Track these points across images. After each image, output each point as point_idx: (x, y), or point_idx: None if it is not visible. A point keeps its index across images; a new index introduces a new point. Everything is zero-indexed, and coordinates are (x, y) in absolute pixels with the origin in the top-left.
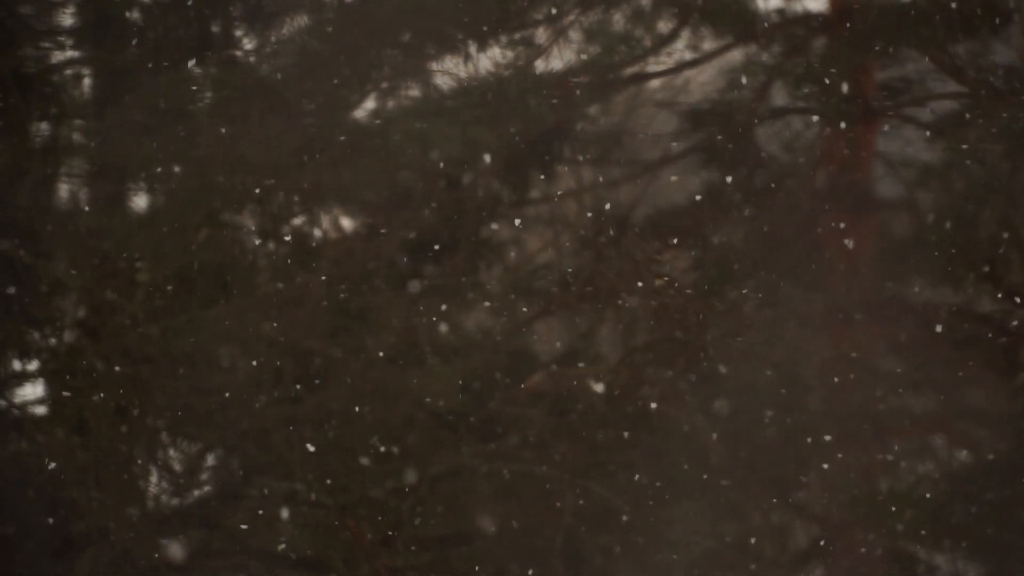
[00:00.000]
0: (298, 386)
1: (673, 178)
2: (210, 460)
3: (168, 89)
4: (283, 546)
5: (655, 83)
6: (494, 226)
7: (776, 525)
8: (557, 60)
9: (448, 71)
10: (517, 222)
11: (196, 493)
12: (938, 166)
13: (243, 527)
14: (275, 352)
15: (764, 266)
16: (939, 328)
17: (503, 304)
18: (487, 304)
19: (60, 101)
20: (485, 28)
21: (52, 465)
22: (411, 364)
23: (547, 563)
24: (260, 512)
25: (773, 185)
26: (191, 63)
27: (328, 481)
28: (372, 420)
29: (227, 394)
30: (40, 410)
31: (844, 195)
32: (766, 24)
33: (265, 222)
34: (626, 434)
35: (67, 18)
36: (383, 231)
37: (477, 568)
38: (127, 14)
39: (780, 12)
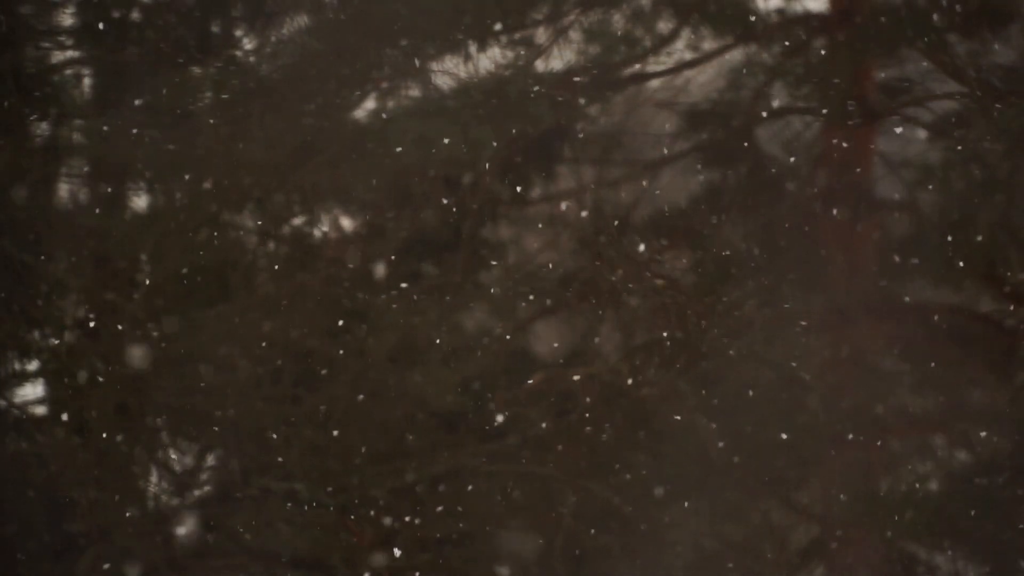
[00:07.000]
0: (298, 386)
1: (673, 178)
2: (210, 460)
3: (168, 89)
4: (283, 546)
5: (655, 83)
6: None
7: (776, 525)
8: (557, 60)
9: (448, 71)
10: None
11: (196, 493)
12: (938, 166)
13: (243, 527)
14: (275, 352)
15: (764, 266)
16: (939, 328)
17: (503, 304)
18: (487, 304)
19: (60, 101)
20: (486, 28)
21: (52, 465)
22: (411, 364)
23: (547, 563)
24: (260, 512)
25: (773, 185)
26: (191, 63)
27: (328, 481)
28: (372, 420)
29: (227, 394)
30: (40, 410)
31: (844, 195)
32: (766, 24)
33: (265, 222)
34: (626, 434)
35: (67, 18)
36: (383, 231)
37: (477, 568)
38: (127, 14)
39: (780, 12)
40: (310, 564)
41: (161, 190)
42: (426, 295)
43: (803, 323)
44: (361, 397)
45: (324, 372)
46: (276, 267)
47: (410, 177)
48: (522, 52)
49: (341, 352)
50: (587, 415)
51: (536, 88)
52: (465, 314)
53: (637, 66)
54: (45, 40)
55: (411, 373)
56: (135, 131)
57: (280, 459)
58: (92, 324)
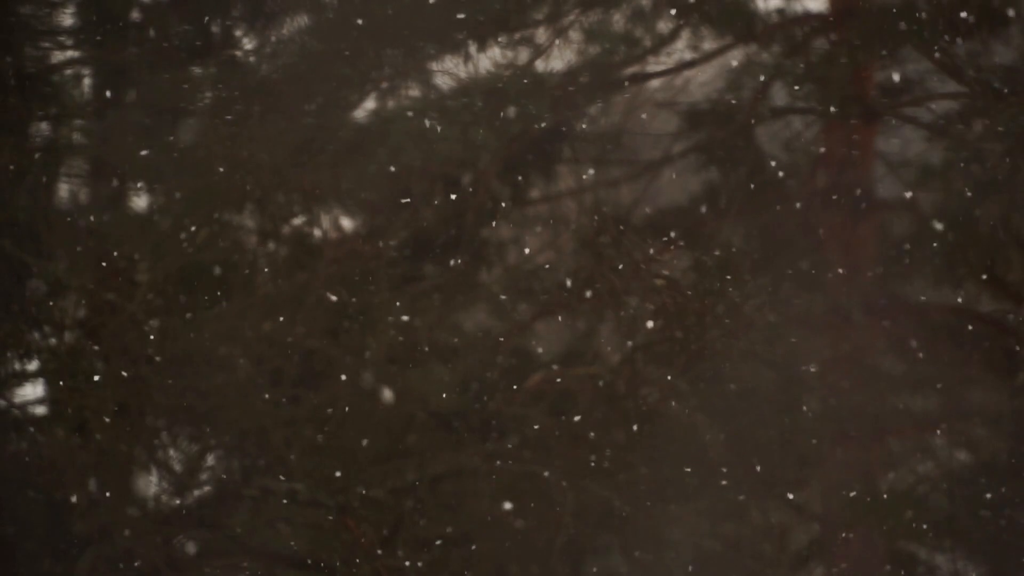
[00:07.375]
0: (298, 386)
1: (673, 178)
2: (210, 460)
3: (168, 89)
4: (283, 546)
5: (655, 83)
6: (494, 225)
7: (776, 525)
8: (557, 60)
9: (448, 71)
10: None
11: (196, 493)
12: (938, 166)
13: (243, 527)
14: (275, 352)
15: (764, 266)
16: (939, 328)
17: (503, 304)
18: (487, 304)
19: (60, 101)
20: (485, 27)
21: (52, 465)
22: (411, 364)
23: (547, 563)
24: (260, 512)
25: (773, 185)
26: (191, 63)
27: (328, 481)
28: (372, 420)
29: (227, 394)
30: (40, 410)
31: (844, 195)
32: (766, 24)
33: (265, 222)
34: (626, 434)
35: (67, 18)
36: (383, 231)
37: (477, 568)
38: (127, 14)
39: (780, 12)
40: (310, 564)
41: (161, 190)
42: (426, 295)
43: (802, 323)
44: (361, 397)
45: (324, 372)
46: (276, 267)
47: (410, 177)
48: (522, 52)
49: (341, 352)
50: (587, 415)
51: (535, 89)
52: (465, 314)
53: (637, 66)
54: (45, 40)
55: (411, 373)
56: (135, 131)
57: (280, 459)
58: (92, 324)
